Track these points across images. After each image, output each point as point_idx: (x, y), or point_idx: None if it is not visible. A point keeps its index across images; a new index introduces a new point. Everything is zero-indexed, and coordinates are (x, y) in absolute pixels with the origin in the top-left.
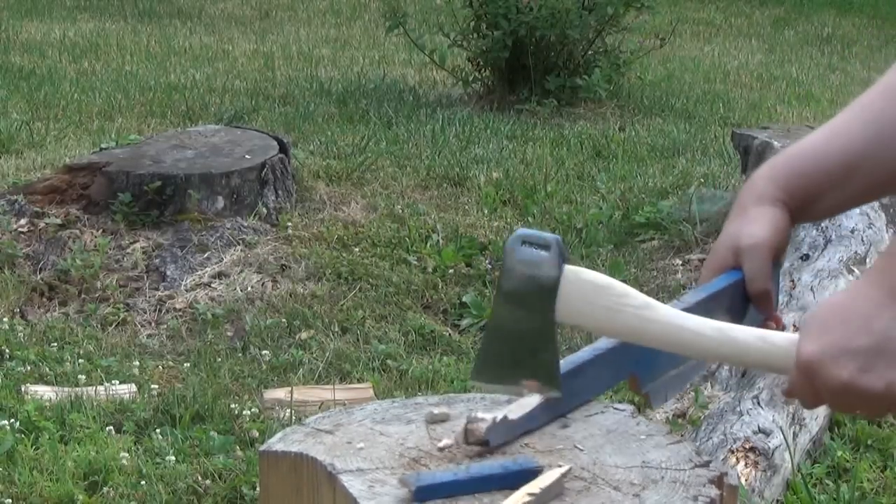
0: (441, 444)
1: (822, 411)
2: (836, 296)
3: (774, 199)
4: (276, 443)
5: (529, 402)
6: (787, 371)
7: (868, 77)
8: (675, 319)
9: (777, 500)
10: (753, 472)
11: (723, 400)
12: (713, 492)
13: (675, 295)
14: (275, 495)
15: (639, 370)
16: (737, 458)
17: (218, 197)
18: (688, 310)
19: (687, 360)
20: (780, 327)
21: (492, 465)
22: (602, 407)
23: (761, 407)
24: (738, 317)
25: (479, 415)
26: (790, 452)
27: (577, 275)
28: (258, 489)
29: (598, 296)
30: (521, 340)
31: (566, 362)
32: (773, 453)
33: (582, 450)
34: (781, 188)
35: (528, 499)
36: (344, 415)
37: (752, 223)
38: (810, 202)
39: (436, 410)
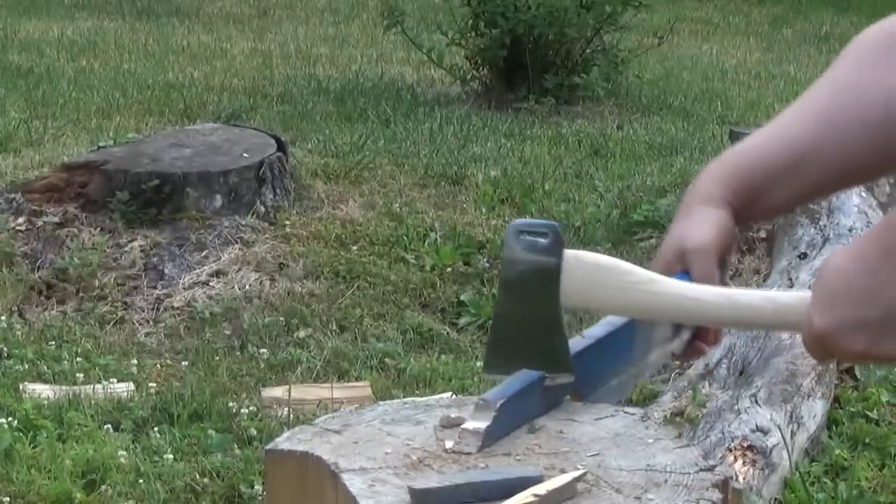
0: (447, 446)
1: (819, 410)
2: (840, 256)
3: (719, 199)
4: (283, 441)
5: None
6: (796, 330)
7: None
8: (681, 291)
9: (775, 499)
10: (751, 471)
11: (721, 398)
12: (716, 495)
13: None
14: (280, 494)
15: (580, 385)
16: (735, 457)
17: (216, 195)
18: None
19: (627, 370)
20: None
21: (496, 471)
22: (612, 410)
23: (759, 405)
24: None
25: (453, 415)
26: (788, 451)
27: (579, 258)
28: (257, 487)
29: (603, 276)
30: (529, 329)
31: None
32: (770, 452)
33: (587, 453)
34: (727, 187)
35: (531, 499)
36: (354, 415)
37: (697, 225)
38: (756, 200)
39: (452, 414)
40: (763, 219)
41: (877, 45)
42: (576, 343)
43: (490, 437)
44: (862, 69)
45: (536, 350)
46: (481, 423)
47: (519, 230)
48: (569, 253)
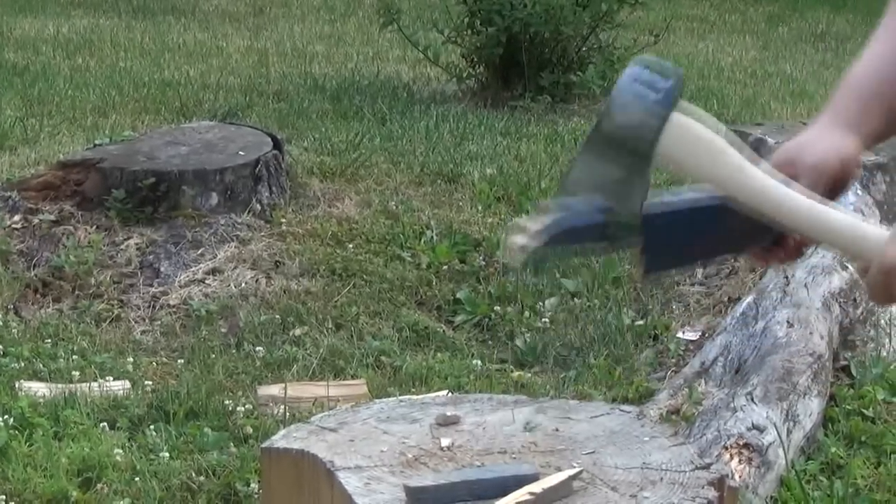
0: (443, 444)
1: (815, 408)
2: None
3: (855, 124)
4: (279, 440)
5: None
6: (863, 259)
7: None
8: (768, 184)
9: (771, 497)
10: (747, 469)
11: (717, 396)
12: (712, 493)
13: (669, 291)
14: (276, 491)
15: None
16: (731, 455)
17: (212, 193)
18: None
19: (695, 251)
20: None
21: (491, 468)
22: (608, 409)
23: (755, 403)
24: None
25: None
26: (784, 449)
27: (684, 121)
28: (253, 485)
29: (699, 148)
30: (617, 161)
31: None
32: (766, 450)
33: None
34: (865, 112)
35: (527, 497)
36: (349, 413)
37: (824, 143)
38: (886, 131)
39: (448, 413)
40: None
41: None
42: (653, 205)
43: (548, 234)
44: None
45: (615, 185)
46: (539, 224)
47: (635, 78)
48: (677, 114)
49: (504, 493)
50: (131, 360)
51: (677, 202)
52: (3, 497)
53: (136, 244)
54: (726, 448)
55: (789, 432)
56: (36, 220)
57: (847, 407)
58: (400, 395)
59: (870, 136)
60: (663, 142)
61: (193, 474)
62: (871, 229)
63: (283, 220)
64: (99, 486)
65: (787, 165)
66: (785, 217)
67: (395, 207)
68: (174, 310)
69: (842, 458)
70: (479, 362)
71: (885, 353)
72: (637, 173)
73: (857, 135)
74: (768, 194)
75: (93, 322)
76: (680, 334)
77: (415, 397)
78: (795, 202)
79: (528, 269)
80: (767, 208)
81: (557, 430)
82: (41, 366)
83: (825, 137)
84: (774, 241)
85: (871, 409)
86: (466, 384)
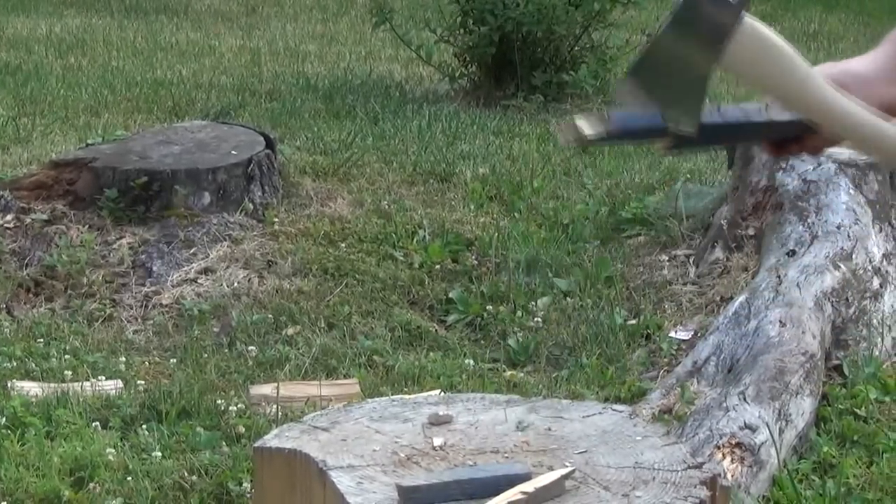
0: (435, 443)
1: (808, 407)
2: None
3: None
4: (271, 439)
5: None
6: None
7: None
8: (829, 95)
9: (763, 496)
10: (739, 468)
11: (709, 396)
12: (704, 493)
13: (661, 291)
14: (269, 491)
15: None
16: (723, 454)
17: (204, 193)
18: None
19: None
20: None
21: (484, 468)
22: (600, 408)
23: (747, 403)
24: None
25: (441, 413)
26: (776, 448)
27: (755, 31)
28: (245, 485)
29: (767, 55)
30: (677, 69)
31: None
32: (759, 449)
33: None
34: None
35: (519, 496)
36: (342, 413)
37: (873, 86)
38: None
39: (440, 412)
40: None
41: None
42: (710, 114)
43: (612, 128)
44: None
45: (673, 92)
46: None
47: None
48: (748, 21)
49: (496, 493)
50: (123, 359)
51: (731, 114)
52: None
53: (129, 243)
54: (718, 447)
55: (781, 431)
56: (28, 220)
57: (839, 406)
58: (392, 394)
59: None
60: (734, 42)
61: (186, 474)
62: None
63: (276, 220)
64: (91, 485)
65: (839, 77)
66: (849, 134)
67: (387, 207)
68: (166, 309)
69: (834, 457)
70: (472, 362)
71: (877, 353)
72: (699, 78)
73: None
74: (834, 109)
75: (85, 321)
76: (672, 334)
77: (407, 397)
78: (859, 118)
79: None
80: (830, 123)
81: (550, 429)
82: (33, 365)
83: (878, 83)
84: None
85: (863, 408)
86: (459, 384)
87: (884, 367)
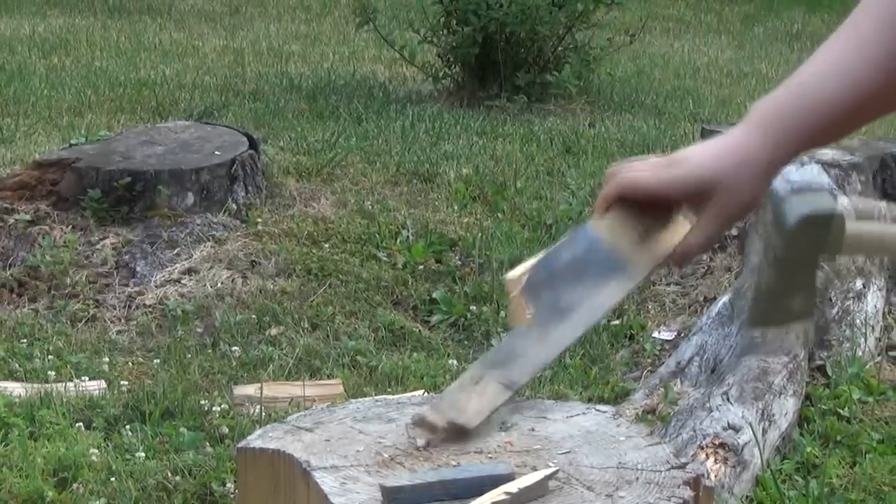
0: (418, 444)
1: (791, 408)
2: None
3: (774, 144)
4: (255, 440)
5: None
6: None
7: None
8: None
9: (746, 496)
10: (723, 469)
11: (692, 396)
12: (687, 493)
13: (644, 291)
14: (252, 492)
15: None
16: (706, 454)
17: (188, 193)
18: None
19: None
20: None
21: (467, 468)
22: (584, 408)
23: (731, 403)
24: None
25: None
26: (759, 448)
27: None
28: (229, 485)
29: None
30: (795, 273)
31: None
32: (742, 449)
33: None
34: (784, 132)
35: (503, 497)
36: (325, 413)
37: (747, 182)
38: (813, 139)
39: (424, 413)
40: (807, 152)
41: None
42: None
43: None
44: None
45: (797, 294)
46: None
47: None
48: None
49: (480, 493)
50: (107, 359)
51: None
52: None
53: (112, 244)
54: (702, 448)
55: (765, 432)
56: (11, 220)
57: (822, 406)
58: (376, 394)
59: None
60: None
61: (169, 474)
62: None
63: (259, 220)
64: (75, 486)
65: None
66: None
67: (370, 207)
68: (150, 310)
69: (817, 457)
70: (455, 362)
71: (860, 353)
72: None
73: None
74: None
75: (68, 322)
76: (656, 334)
77: (391, 397)
78: None
79: None
80: None
81: (533, 429)
82: (17, 365)
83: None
84: None
85: (846, 408)
86: (442, 384)
87: (867, 367)
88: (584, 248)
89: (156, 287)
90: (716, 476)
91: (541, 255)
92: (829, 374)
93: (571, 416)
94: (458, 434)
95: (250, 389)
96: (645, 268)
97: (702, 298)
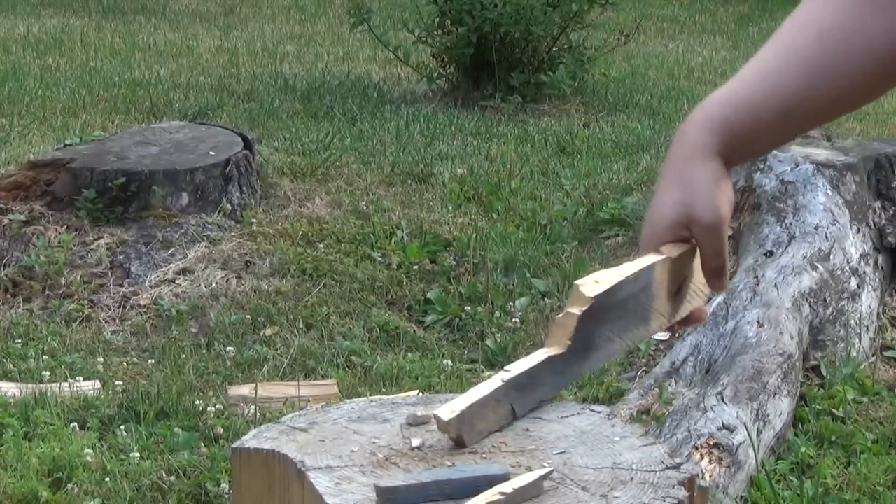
0: (413, 444)
1: (785, 408)
2: None
3: (714, 152)
4: (249, 440)
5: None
6: None
7: None
8: None
9: (741, 497)
10: (717, 469)
11: (687, 396)
12: (682, 493)
13: None
14: (247, 492)
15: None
16: (701, 455)
17: (182, 193)
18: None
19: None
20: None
21: (462, 468)
22: (578, 408)
23: (725, 403)
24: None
25: (419, 413)
26: (754, 449)
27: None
28: (223, 485)
29: None
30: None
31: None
32: (737, 449)
33: (554, 450)
34: (719, 138)
35: (497, 497)
36: (320, 413)
37: (706, 193)
38: (743, 148)
39: (419, 413)
40: (742, 162)
41: None
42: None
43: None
44: (850, 11)
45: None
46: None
47: None
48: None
49: (475, 493)
50: (101, 360)
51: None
52: None
53: (107, 244)
54: (696, 448)
55: (759, 432)
56: (6, 220)
57: (817, 407)
58: (370, 395)
59: None
60: None
61: (164, 474)
62: None
63: (254, 220)
64: (69, 486)
65: (683, 228)
66: None
67: (365, 207)
68: (145, 310)
69: (812, 457)
70: (450, 362)
71: (854, 354)
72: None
73: (721, 164)
74: None
75: (63, 322)
76: None
77: (385, 397)
78: None
79: None
80: None
81: (528, 430)
82: (11, 366)
83: (702, 188)
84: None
85: (840, 408)
86: (437, 384)
87: (861, 367)
88: (641, 288)
89: (150, 287)
90: (710, 476)
91: (615, 278)
92: (824, 374)
93: (566, 417)
94: (456, 444)
95: (245, 390)
96: (658, 328)
97: None
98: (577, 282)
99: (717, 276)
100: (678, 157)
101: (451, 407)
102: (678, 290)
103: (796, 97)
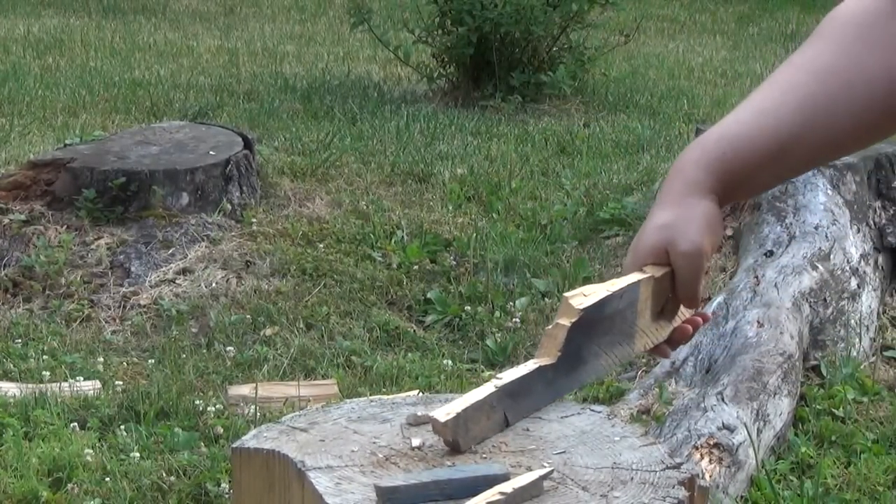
0: (413, 444)
1: (785, 408)
2: None
3: (708, 190)
4: (250, 440)
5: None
6: None
7: None
8: None
9: (741, 497)
10: (717, 469)
11: (687, 396)
12: (682, 493)
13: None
14: (247, 492)
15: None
16: (701, 455)
17: (182, 193)
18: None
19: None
20: (704, 321)
21: (462, 468)
22: (578, 408)
23: (725, 403)
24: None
25: (419, 413)
26: (754, 448)
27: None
28: (223, 485)
29: None
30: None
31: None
32: (737, 449)
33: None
34: (714, 176)
35: (497, 497)
36: (320, 413)
37: (690, 224)
38: (739, 185)
39: (419, 412)
40: (740, 200)
41: (857, 26)
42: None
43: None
44: (849, 51)
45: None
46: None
47: None
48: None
49: (475, 493)
50: (102, 360)
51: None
52: None
53: (107, 244)
54: (697, 448)
55: (759, 432)
56: (6, 220)
57: (817, 407)
58: (370, 394)
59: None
60: None
61: (164, 474)
62: None
63: (254, 220)
64: (69, 486)
65: (663, 253)
66: None
67: (365, 207)
68: (145, 310)
69: (812, 457)
70: (450, 362)
71: (855, 353)
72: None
73: (713, 199)
74: None
75: (63, 322)
76: None
77: (385, 397)
78: None
79: None
80: None
81: (528, 429)
82: (11, 366)
83: (687, 218)
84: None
85: (841, 408)
86: (437, 384)
87: (861, 367)
88: (627, 305)
89: (150, 287)
90: (710, 476)
91: (602, 292)
92: (824, 374)
93: (566, 417)
94: (451, 447)
95: (245, 389)
96: (642, 347)
97: None
98: (566, 294)
99: (689, 305)
100: (673, 191)
101: (447, 409)
102: (661, 310)
103: (793, 136)
